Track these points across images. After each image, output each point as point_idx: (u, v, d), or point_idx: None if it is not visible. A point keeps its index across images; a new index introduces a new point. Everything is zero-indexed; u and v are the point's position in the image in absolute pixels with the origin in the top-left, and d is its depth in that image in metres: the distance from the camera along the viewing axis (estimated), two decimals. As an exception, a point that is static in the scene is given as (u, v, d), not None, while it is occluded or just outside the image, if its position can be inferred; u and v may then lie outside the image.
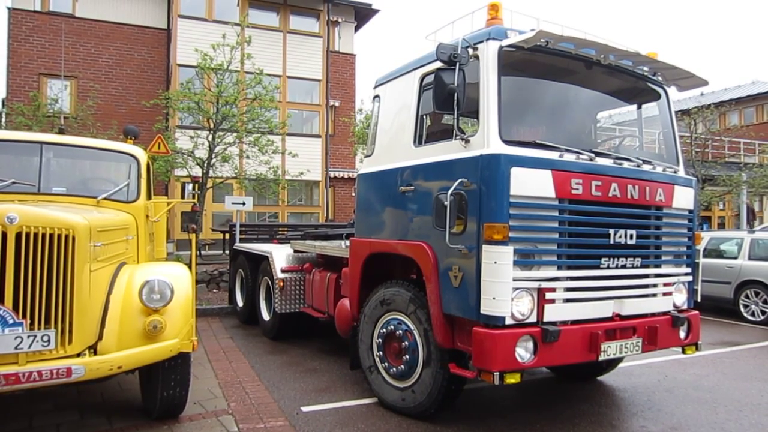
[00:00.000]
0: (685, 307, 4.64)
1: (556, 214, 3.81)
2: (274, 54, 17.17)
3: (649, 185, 4.26)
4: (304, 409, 4.67)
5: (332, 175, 18.95)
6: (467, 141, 3.90)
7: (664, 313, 4.42)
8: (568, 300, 3.85)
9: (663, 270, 4.43)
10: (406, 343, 4.41)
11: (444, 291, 3.99)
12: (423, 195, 4.31)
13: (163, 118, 13.77)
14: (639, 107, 4.94)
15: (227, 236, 12.85)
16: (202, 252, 13.81)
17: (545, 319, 3.72)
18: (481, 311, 3.63)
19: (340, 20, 19.94)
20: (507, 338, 3.56)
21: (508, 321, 3.59)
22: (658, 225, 4.39)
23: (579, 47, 4.06)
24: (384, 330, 4.65)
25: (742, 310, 9.68)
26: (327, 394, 5.06)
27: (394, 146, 4.83)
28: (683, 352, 4.63)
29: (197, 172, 12.63)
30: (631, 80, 4.66)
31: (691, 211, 4.66)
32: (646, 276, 4.29)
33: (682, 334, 4.53)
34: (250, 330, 7.95)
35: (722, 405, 5.03)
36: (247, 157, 13.10)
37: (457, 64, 3.76)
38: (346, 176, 19.64)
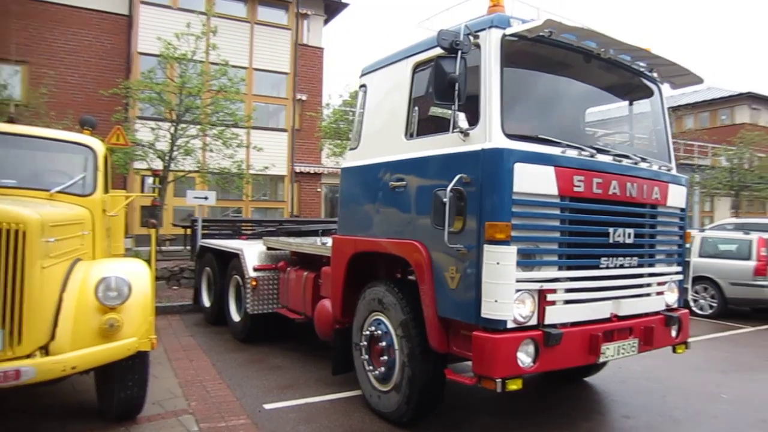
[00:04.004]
0: (675, 306, 4.59)
1: (558, 212, 3.66)
2: (241, 45, 16.86)
3: (647, 183, 4.18)
4: (267, 406, 4.63)
5: (298, 170, 18.77)
6: (466, 134, 3.66)
7: (656, 313, 4.36)
8: (568, 301, 3.71)
9: (657, 269, 4.37)
10: (384, 343, 4.28)
11: (439, 293, 3.78)
12: (416, 191, 4.09)
13: (122, 109, 13.30)
14: (631, 104, 4.83)
15: (189, 232, 12.56)
16: (163, 248, 13.47)
17: (546, 322, 3.56)
18: (482, 314, 3.43)
19: (309, 13, 19.75)
20: (509, 343, 3.38)
21: (510, 324, 3.41)
22: (654, 224, 4.32)
23: (581, 39, 3.90)
24: (368, 332, 4.49)
25: (692, 304, 10.10)
26: (290, 391, 5.02)
27: (383, 139, 4.59)
28: (674, 351, 4.55)
29: (158, 165, 12.28)
30: (627, 76, 4.55)
31: (683, 210, 4.63)
32: (641, 275, 4.21)
33: (674, 333, 4.48)
34: (211, 327, 7.80)
35: (671, 394, 5.26)
36: (211, 150, 12.82)
37: (459, 52, 3.51)
38: (312, 171, 19.49)
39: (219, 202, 14.12)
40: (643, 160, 4.33)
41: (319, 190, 20.07)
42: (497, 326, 3.40)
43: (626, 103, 4.84)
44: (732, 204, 23.27)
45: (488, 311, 3.40)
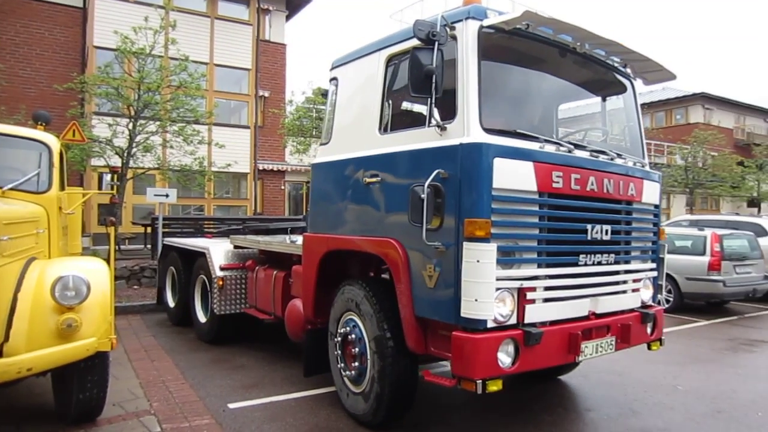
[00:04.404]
0: (650, 303, 4.55)
1: (537, 208, 3.59)
2: (201, 40, 16.54)
3: (623, 179, 4.14)
4: (231, 405, 4.56)
5: (261, 168, 18.55)
6: (443, 128, 3.55)
7: (632, 310, 4.32)
8: (547, 299, 3.63)
9: (632, 266, 4.33)
10: (358, 349, 4.17)
11: (417, 292, 3.68)
12: (391, 187, 3.96)
13: (78, 104, 12.84)
14: (605, 100, 4.77)
15: (149, 230, 12.26)
16: (122, 246, 13.11)
17: (526, 321, 3.48)
18: (462, 314, 3.33)
19: (271, 8, 19.52)
20: (489, 343, 3.28)
21: (490, 324, 3.31)
22: (630, 220, 4.28)
23: (558, 32, 3.83)
24: (343, 330, 4.37)
25: (650, 299, 10.45)
26: (255, 390, 4.97)
27: (356, 134, 4.44)
28: (649, 348, 4.52)
29: (116, 161, 11.94)
30: (602, 71, 4.52)
31: (656, 206, 4.59)
32: (618, 272, 4.17)
33: (649, 330, 4.43)
34: (173, 327, 7.63)
35: (630, 387, 5.43)
36: (171, 147, 12.54)
37: (436, 44, 3.41)
38: (275, 169, 19.29)
39: (180, 200, 13.84)
40: (619, 156, 4.29)
41: (282, 187, 19.89)
42: (477, 326, 3.30)
43: (600, 98, 4.78)
44: (687, 201, 24.23)
45: (468, 311, 3.31)
